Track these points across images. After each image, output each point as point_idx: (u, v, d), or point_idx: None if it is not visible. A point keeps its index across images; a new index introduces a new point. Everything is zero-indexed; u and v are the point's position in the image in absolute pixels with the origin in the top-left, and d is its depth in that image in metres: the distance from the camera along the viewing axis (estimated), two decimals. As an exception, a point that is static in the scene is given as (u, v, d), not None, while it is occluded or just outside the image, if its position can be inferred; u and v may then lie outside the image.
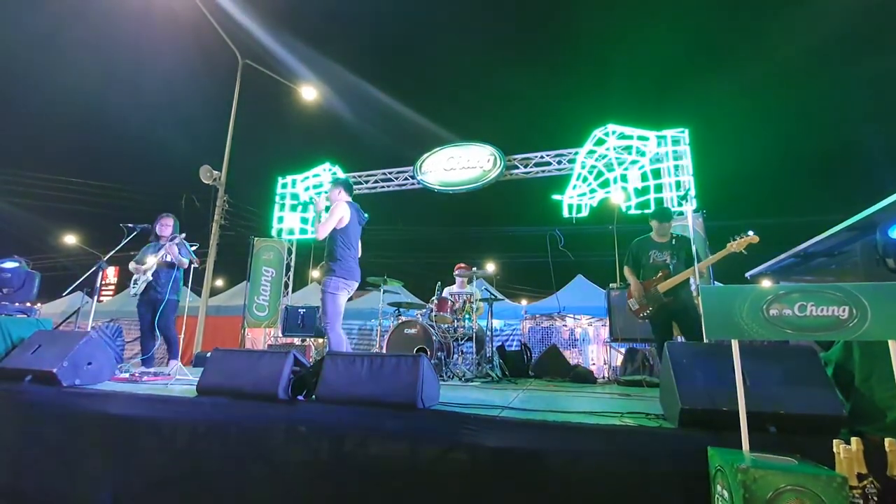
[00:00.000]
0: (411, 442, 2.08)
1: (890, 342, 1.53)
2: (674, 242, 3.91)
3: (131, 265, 4.55)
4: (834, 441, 1.44)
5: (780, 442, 1.69)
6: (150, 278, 4.33)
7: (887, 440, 1.40)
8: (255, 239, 8.46)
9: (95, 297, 3.93)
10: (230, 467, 2.29)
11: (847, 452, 1.37)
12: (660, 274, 3.79)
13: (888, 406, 1.66)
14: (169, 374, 3.80)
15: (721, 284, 8.44)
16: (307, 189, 8.39)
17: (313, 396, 2.47)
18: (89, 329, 4.62)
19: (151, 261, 4.37)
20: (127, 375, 3.56)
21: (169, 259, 4.39)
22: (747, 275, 5.45)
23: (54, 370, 2.86)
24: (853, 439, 1.41)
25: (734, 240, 3.56)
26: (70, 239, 23.81)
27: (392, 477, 2.05)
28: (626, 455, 1.83)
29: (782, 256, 4.57)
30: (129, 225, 4.15)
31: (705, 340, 2.33)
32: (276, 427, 2.32)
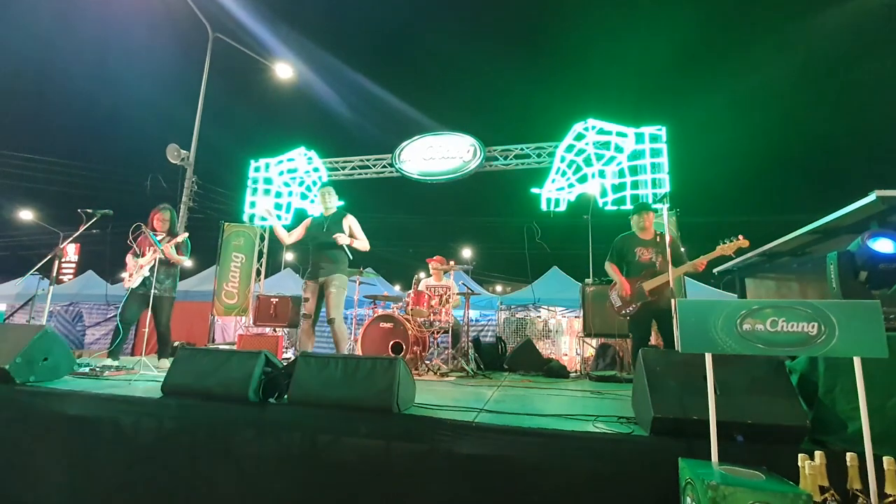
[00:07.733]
0: (386, 449, 2.05)
1: (855, 358, 1.58)
2: (658, 240, 3.89)
3: (129, 259, 4.36)
4: (799, 455, 1.48)
5: (747, 452, 1.74)
6: (148, 273, 4.23)
7: (848, 455, 1.46)
8: (226, 224, 8.18)
9: (51, 287, 3.71)
10: (196, 473, 2.23)
11: (811, 468, 1.41)
12: (645, 272, 3.77)
13: (849, 418, 1.72)
14: (133, 369, 3.66)
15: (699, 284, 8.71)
16: (281, 174, 8.14)
17: (285, 398, 2.41)
18: (46, 317, 4.41)
19: (149, 256, 4.25)
20: (87, 370, 3.40)
21: (164, 256, 4.23)
22: (715, 270, 5.62)
23: (6, 366, 2.70)
24: (817, 454, 1.46)
25: (724, 242, 3.51)
26: (26, 215, 22.53)
27: (366, 484, 2.03)
28: (600, 463, 1.86)
29: (748, 255, 4.72)
30: (88, 210, 3.91)
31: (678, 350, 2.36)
32: (245, 431, 2.26)
